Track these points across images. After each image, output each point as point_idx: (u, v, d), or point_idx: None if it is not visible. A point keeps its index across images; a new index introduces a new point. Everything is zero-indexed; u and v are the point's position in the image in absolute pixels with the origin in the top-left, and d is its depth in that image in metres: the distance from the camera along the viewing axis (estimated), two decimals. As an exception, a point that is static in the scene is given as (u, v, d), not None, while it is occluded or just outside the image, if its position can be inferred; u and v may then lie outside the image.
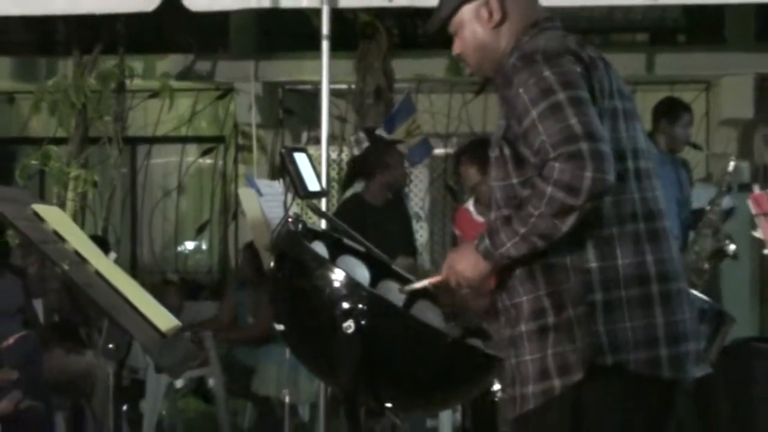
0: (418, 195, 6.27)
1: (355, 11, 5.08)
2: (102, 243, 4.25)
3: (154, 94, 6.01)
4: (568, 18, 5.48)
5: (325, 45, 3.24)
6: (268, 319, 3.37)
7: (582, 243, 1.59)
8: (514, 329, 1.65)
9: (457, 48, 1.78)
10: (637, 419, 1.62)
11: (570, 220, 1.53)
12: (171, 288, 4.86)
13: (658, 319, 1.60)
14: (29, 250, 3.90)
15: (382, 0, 3.36)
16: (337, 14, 3.66)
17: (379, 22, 5.45)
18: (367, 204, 3.72)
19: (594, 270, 1.58)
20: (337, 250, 2.04)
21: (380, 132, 4.06)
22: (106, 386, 3.49)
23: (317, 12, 3.35)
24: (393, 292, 1.99)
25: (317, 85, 3.41)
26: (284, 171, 2.00)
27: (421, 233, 4.97)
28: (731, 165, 3.65)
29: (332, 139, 3.61)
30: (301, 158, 2.02)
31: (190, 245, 6.74)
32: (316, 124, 3.88)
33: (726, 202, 3.72)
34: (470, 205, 3.67)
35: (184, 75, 6.14)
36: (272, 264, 1.87)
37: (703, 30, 6.14)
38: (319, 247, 1.95)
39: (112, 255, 3.23)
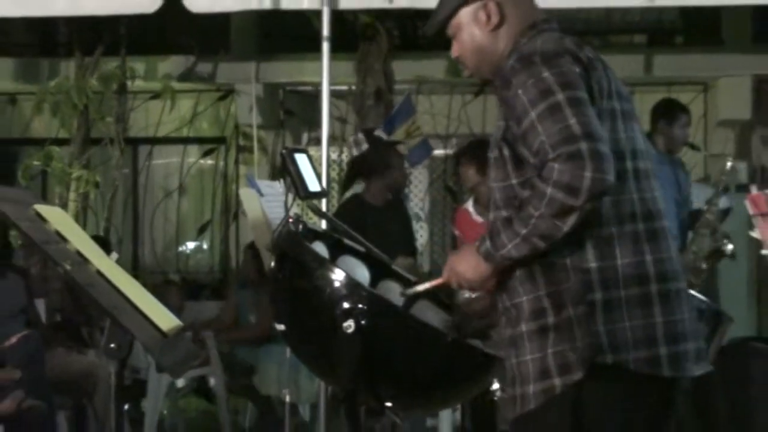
0: (417, 196, 6.28)
1: (355, 13, 5.10)
2: (104, 243, 4.26)
3: (155, 96, 6.02)
4: (566, 20, 5.48)
5: (325, 46, 3.25)
6: (269, 319, 3.39)
7: (581, 243, 1.59)
8: (515, 329, 1.65)
9: (455, 51, 1.77)
10: (637, 418, 1.62)
11: (570, 221, 1.54)
12: (172, 288, 4.87)
13: (658, 318, 1.61)
14: (32, 251, 3.92)
15: (383, 1, 3.36)
16: (338, 16, 3.68)
17: (379, 24, 5.47)
18: (367, 204, 3.74)
19: (593, 270, 1.59)
20: (338, 250, 2.05)
21: (379, 133, 4.08)
22: (108, 385, 3.49)
23: (318, 13, 3.36)
24: (393, 292, 1.99)
25: (318, 86, 3.41)
26: (285, 171, 2.00)
27: (421, 234, 4.99)
28: (728, 165, 3.67)
29: (333, 140, 3.62)
30: (301, 159, 2.02)
31: (191, 245, 6.76)
32: (316, 125, 3.89)
33: (723, 202, 3.74)
34: (470, 205, 3.69)
35: (186, 76, 6.15)
36: (273, 264, 1.87)
37: (700, 31, 6.15)
38: (320, 248, 1.96)
39: (114, 255, 3.22)
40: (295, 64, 5.94)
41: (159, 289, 4.36)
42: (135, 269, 6.28)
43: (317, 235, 2.04)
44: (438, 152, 5.87)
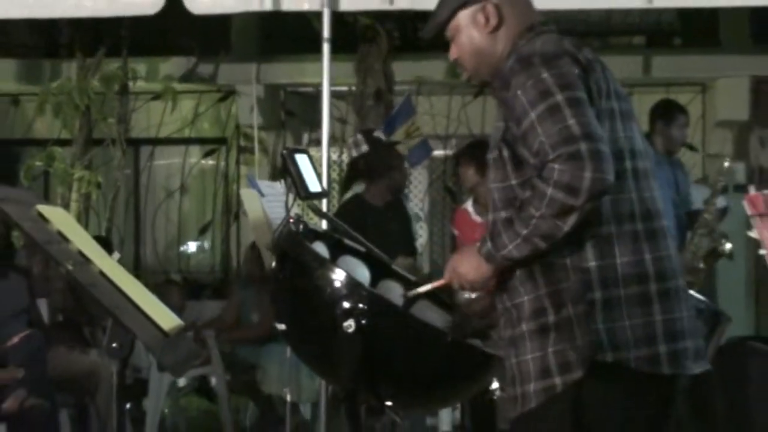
0: (417, 196, 6.29)
1: (355, 14, 5.11)
2: (105, 243, 4.26)
3: (157, 96, 6.03)
4: (566, 21, 5.52)
5: (325, 47, 3.26)
6: (271, 318, 3.41)
7: (581, 242, 1.60)
8: (515, 329, 1.66)
9: (453, 53, 1.78)
10: (637, 416, 1.63)
11: (571, 220, 1.55)
12: (174, 288, 4.88)
13: (657, 316, 1.62)
14: (34, 251, 3.93)
15: (383, 2, 3.37)
16: (338, 17, 3.67)
17: (379, 25, 5.49)
18: (367, 204, 3.75)
19: (593, 269, 1.60)
20: (338, 250, 2.05)
21: (378, 134, 4.10)
22: (110, 384, 3.49)
23: (318, 15, 3.37)
24: (393, 292, 2.00)
25: (318, 87, 3.42)
26: (285, 172, 2.00)
27: (421, 234, 4.99)
28: (725, 165, 3.69)
29: (333, 140, 3.63)
30: (302, 159, 2.03)
31: (192, 245, 6.77)
32: (317, 125, 3.90)
33: (720, 201, 3.76)
34: (469, 205, 3.71)
35: (187, 77, 6.17)
36: (274, 264, 1.88)
37: (698, 33, 6.16)
38: (320, 248, 1.96)
39: (116, 255, 3.24)
40: (295, 65, 5.95)
41: (160, 289, 4.36)
42: (137, 269, 6.30)
43: (318, 235, 2.04)
44: (438, 153, 5.88)
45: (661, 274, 1.64)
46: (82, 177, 5.65)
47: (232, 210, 6.50)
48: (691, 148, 5.73)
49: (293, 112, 6.38)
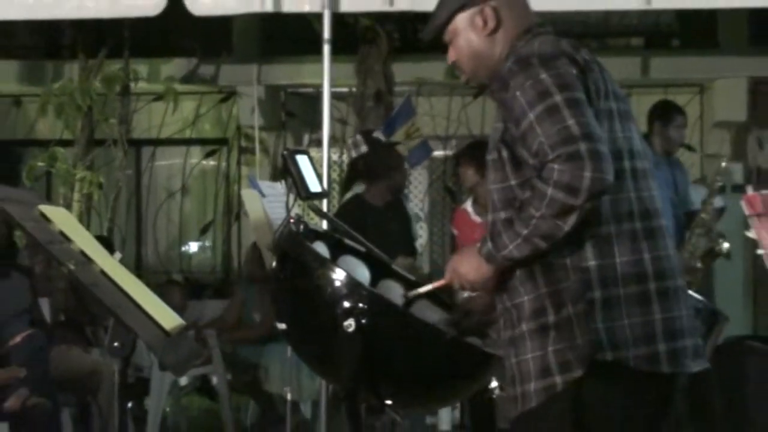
0: (417, 196, 6.31)
1: (355, 16, 5.12)
2: (107, 243, 4.27)
3: (158, 97, 6.05)
4: (565, 23, 5.54)
5: (326, 49, 3.27)
6: (272, 318, 3.42)
7: (581, 242, 1.61)
8: (515, 330, 1.67)
9: (452, 56, 1.78)
10: (637, 415, 1.64)
11: (571, 220, 1.55)
12: (175, 287, 4.88)
13: (656, 315, 1.63)
14: (36, 251, 3.94)
15: (383, 3, 3.38)
16: (338, 18, 3.69)
17: (379, 27, 5.50)
18: (367, 205, 3.76)
19: (592, 268, 1.61)
20: (338, 250, 2.06)
21: (378, 135, 4.11)
22: (112, 383, 3.49)
23: (319, 16, 3.38)
24: (393, 292, 2.01)
25: (319, 88, 3.43)
26: (286, 172, 2.02)
27: (421, 234, 5.01)
28: (722, 166, 3.72)
29: (333, 141, 3.64)
30: (302, 160, 2.04)
31: (193, 245, 6.79)
32: (317, 126, 3.92)
33: (717, 201, 3.78)
34: (468, 205, 3.73)
35: (188, 78, 6.19)
36: (274, 264, 1.89)
37: (696, 34, 6.17)
38: (321, 248, 1.97)
39: (117, 255, 3.26)
40: (296, 66, 5.97)
41: (162, 289, 4.37)
42: (138, 269, 6.31)
43: (318, 235, 2.05)
44: (437, 153, 5.89)
45: (659, 273, 1.65)
46: (83, 177, 5.67)
47: (233, 210, 6.51)
48: (689, 148, 5.76)
49: (294, 113, 6.39)
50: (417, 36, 6.20)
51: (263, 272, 4.18)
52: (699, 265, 3.64)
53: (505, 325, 1.71)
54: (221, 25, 5.87)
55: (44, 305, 3.99)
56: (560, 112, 1.55)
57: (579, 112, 1.56)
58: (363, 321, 1.70)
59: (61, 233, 1.81)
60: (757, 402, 3.37)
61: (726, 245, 3.67)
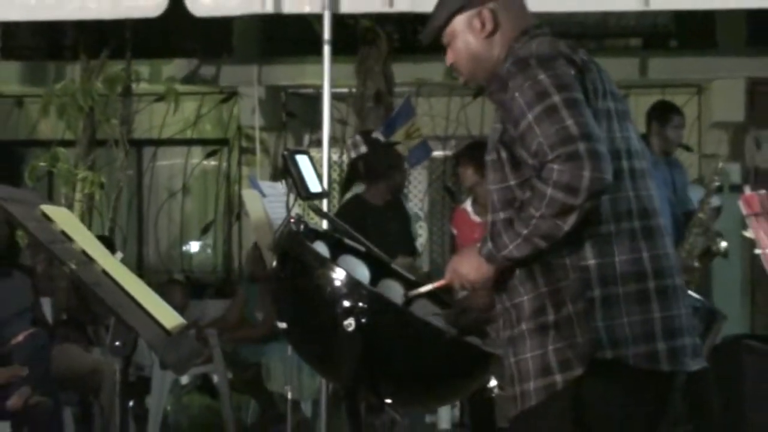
0: (417, 196, 6.32)
1: (355, 17, 5.13)
2: (108, 243, 4.30)
3: (159, 98, 6.07)
4: (563, 24, 5.56)
5: (326, 50, 3.27)
6: (274, 318, 3.42)
7: (580, 241, 1.61)
8: (514, 329, 1.67)
9: (450, 58, 1.79)
10: (636, 413, 1.64)
11: (571, 220, 1.55)
12: (176, 287, 4.88)
13: (655, 314, 1.63)
14: (38, 250, 3.95)
15: (383, 5, 3.38)
16: (339, 19, 3.70)
17: (379, 28, 5.51)
18: (367, 205, 3.76)
19: (592, 267, 1.61)
20: (338, 249, 2.06)
21: (377, 135, 4.12)
22: (113, 382, 3.52)
23: (319, 17, 3.39)
24: (393, 291, 2.02)
25: (319, 88, 3.43)
26: (287, 173, 2.03)
27: (421, 233, 5.03)
28: (719, 166, 3.73)
29: (333, 141, 3.64)
30: (303, 160, 2.05)
31: (194, 245, 6.81)
32: (317, 126, 3.92)
33: (714, 201, 3.79)
34: (468, 205, 3.74)
35: (189, 79, 6.21)
36: (275, 263, 1.90)
37: (694, 35, 6.18)
38: (321, 247, 1.98)
39: (119, 255, 3.27)
40: (296, 67, 5.98)
41: (163, 288, 4.40)
42: (139, 268, 6.33)
43: (318, 235, 2.05)
44: (437, 153, 5.90)
45: (658, 271, 1.65)
46: (85, 177, 5.69)
47: (234, 210, 6.53)
48: (687, 148, 5.77)
49: (294, 114, 6.41)
50: (417, 37, 6.19)
51: (265, 272, 4.20)
52: (697, 264, 3.66)
53: (504, 325, 1.71)
54: (222, 26, 5.89)
55: (46, 304, 4.01)
56: (559, 113, 1.56)
57: (577, 112, 1.57)
58: (363, 320, 1.71)
59: (63, 233, 1.81)
60: (754, 400, 3.38)
61: (723, 244, 3.69)
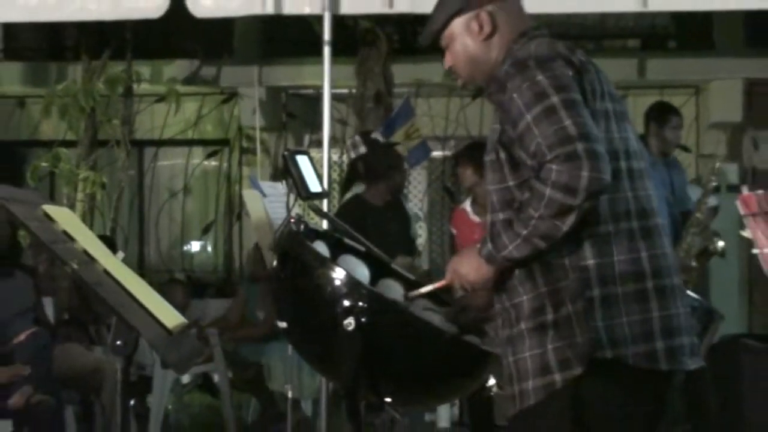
0: (417, 196, 6.34)
1: (355, 18, 5.14)
2: (110, 243, 4.31)
3: (160, 99, 6.08)
4: (561, 25, 5.57)
5: (326, 51, 3.28)
6: (274, 317, 3.44)
7: (579, 241, 1.62)
8: (513, 329, 1.68)
9: (448, 61, 1.79)
10: (635, 412, 1.65)
11: (570, 220, 1.56)
12: (177, 286, 4.90)
13: (654, 313, 1.64)
14: (40, 250, 3.96)
15: (383, 6, 3.39)
16: (339, 21, 3.71)
17: (379, 29, 5.52)
18: (367, 205, 3.77)
19: (591, 267, 1.62)
20: (338, 249, 2.07)
21: (376, 135, 4.13)
22: (115, 381, 3.52)
23: (319, 18, 3.39)
24: (393, 291, 2.03)
25: (319, 89, 3.43)
26: (287, 173, 2.03)
27: (421, 233, 5.05)
28: (716, 166, 3.75)
29: (333, 141, 3.65)
30: (303, 160, 2.06)
31: (195, 245, 6.82)
32: (317, 127, 3.93)
33: (711, 200, 3.81)
34: (467, 205, 3.76)
35: (190, 80, 6.22)
36: (275, 263, 1.91)
37: (692, 36, 6.19)
38: (321, 247, 1.99)
39: (120, 254, 3.28)
40: (296, 67, 6.00)
41: (164, 288, 4.42)
42: (141, 268, 6.34)
43: (318, 234, 2.06)
44: (436, 154, 5.92)
45: (657, 271, 1.66)
46: (87, 177, 5.70)
47: (235, 210, 6.54)
48: (685, 149, 5.78)
49: (294, 114, 6.42)
50: (416, 38, 6.23)
51: (265, 272, 4.21)
52: (694, 264, 3.67)
53: (503, 324, 1.71)
54: (223, 26, 5.91)
55: (48, 304, 4.03)
56: (557, 113, 1.57)
57: (576, 113, 1.57)
58: (363, 319, 1.72)
59: (65, 233, 1.81)
60: (751, 400, 3.40)
61: (721, 244, 3.71)
